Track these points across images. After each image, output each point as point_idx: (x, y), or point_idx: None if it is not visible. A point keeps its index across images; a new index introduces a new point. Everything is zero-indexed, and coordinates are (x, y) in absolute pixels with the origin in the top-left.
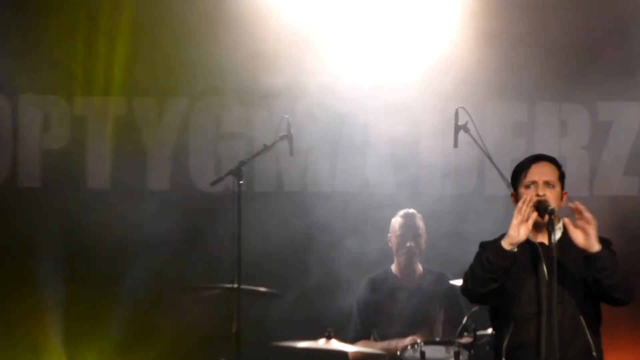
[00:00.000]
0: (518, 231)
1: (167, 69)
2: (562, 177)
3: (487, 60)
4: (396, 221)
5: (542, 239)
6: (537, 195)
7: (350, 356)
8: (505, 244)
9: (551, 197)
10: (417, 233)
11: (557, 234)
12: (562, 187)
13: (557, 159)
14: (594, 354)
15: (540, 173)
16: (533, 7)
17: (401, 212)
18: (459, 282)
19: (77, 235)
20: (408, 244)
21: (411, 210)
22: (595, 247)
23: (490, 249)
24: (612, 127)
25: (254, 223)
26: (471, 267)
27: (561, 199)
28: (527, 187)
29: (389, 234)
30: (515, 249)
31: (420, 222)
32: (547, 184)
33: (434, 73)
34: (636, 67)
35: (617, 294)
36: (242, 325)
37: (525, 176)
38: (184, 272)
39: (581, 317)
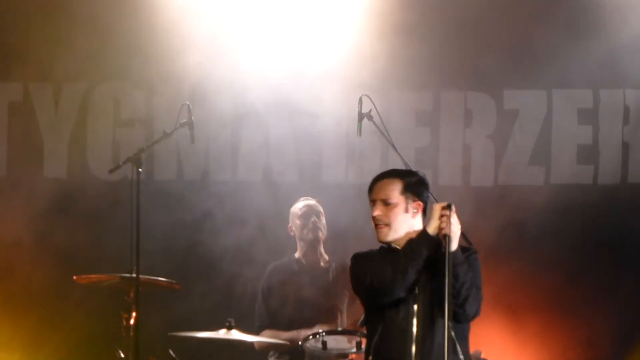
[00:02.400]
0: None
1: (64, 53)
2: (408, 189)
3: (392, 49)
4: (296, 207)
5: None
6: (373, 216)
7: (255, 346)
8: (431, 230)
9: (387, 214)
10: (317, 211)
11: (458, 227)
12: (414, 198)
13: (462, 148)
14: (462, 357)
15: (377, 192)
16: None
17: (299, 203)
18: None
19: None
20: (312, 219)
21: (308, 200)
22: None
23: (412, 240)
24: (518, 116)
25: (154, 212)
26: (366, 268)
27: (406, 212)
28: (371, 206)
29: (289, 224)
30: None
31: (318, 209)
32: (384, 202)
33: (339, 61)
34: (542, 55)
35: (460, 307)
36: (140, 316)
37: (369, 194)
38: (81, 262)
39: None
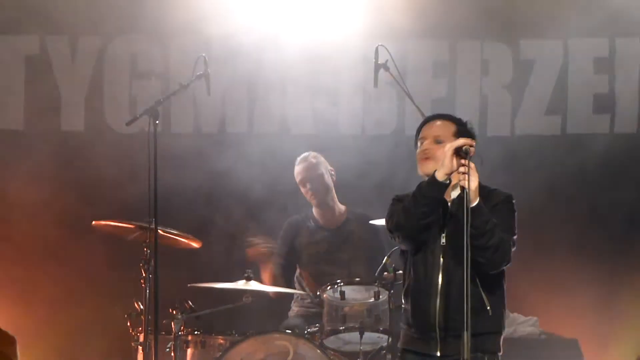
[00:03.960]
0: (452, 162)
1: (81, 6)
2: (460, 133)
3: None
4: (296, 170)
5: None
6: (421, 150)
7: (271, 295)
8: (439, 175)
9: (438, 152)
10: (315, 175)
11: (475, 179)
12: None
13: (479, 98)
14: (489, 307)
15: (430, 130)
16: None
17: (297, 159)
18: (380, 222)
19: None
20: (309, 187)
21: (305, 154)
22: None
23: (422, 183)
24: (534, 65)
25: (171, 164)
26: (395, 208)
27: None
28: (420, 144)
29: (298, 183)
30: (448, 181)
31: (315, 160)
32: (436, 140)
33: (355, 11)
34: (559, 5)
35: (480, 257)
36: (159, 267)
37: (418, 135)
38: (99, 214)
39: (475, 274)
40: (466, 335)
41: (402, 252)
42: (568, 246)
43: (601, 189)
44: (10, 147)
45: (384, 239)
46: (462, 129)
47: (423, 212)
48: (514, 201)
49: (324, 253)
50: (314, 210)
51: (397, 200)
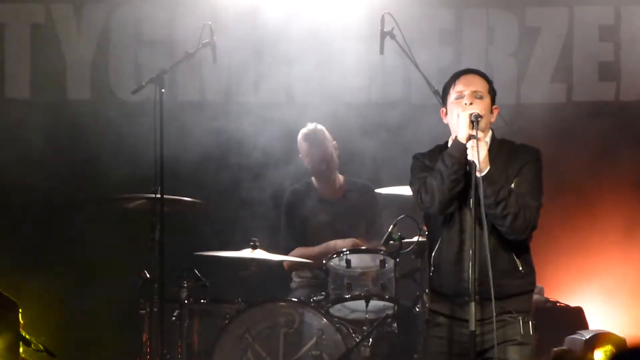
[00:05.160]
0: (468, 127)
1: None
2: (492, 92)
3: None
4: (301, 145)
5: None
6: (465, 104)
7: (285, 265)
8: (462, 138)
9: (480, 107)
10: (325, 153)
11: (483, 149)
12: (493, 102)
13: (485, 66)
14: (521, 268)
15: (468, 84)
16: None
17: (302, 134)
18: (382, 191)
19: None
20: (318, 166)
21: (311, 128)
22: (484, 169)
23: (446, 151)
24: (540, 33)
25: (177, 133)
26: (422, 179)
27: (491, 112)
28: (456, 98)
29: (300, 155)
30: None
31: (323, 136)
32: (475, 94)
33: None
34: None
35: (500, 226)
36: (165, 236)
37: (453, 88)
38: (105, 183)
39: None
40: (474, 306)
41: (427, 217)
42: (573, 215)
43: (606, 156)
44: (16, 116)
45: (383, 209)
46: (492, 87)
47: (452, 180)
48: (541, 158)
49: (327, 224)
50: (315, 182)
51: (417, 159)
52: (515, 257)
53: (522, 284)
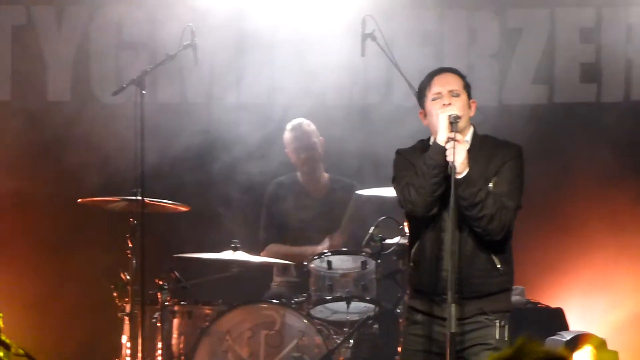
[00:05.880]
0: (447, 129)
1: None
2: (467, 87)
3: None
4: (287, 136)
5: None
6: (444, 104)
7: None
8: (441, 140)
9: (458, 105)
10: (310, 143)
11: (462, 152)
12: (469, 96)
13: (466, 68)
14: (499, 267)
15: (444, 83)
16: None
17: (289, 125)
18: (364, 192)
19: None
20: (303, 156)
21: (298, 121)
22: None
23: (426, 153)
24: (521, 35)
25: (158, 134)
26: (404, 179)
27: (469, 107)
28: (434, 100)
29: (286, 149)
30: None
31: (309, 128)
32: (452, 92)
33: None
34: None
35: (476, 227)
36: (145, 237)
37: (429, 90)
38: (86, 186)
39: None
40: (454, 308)
41: (408, 215)
42: (554, 216)
43: (587, 157)
44: None
45: (366, 209)
46: (466, 82)
47: (434, 183)
48: (522, 155)
49: (309, 220)
50: (300, 176)
51: (400, 154)
52: (494, 256)
53: (500, 282)
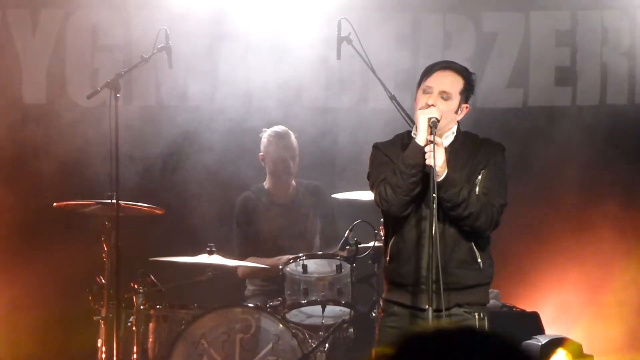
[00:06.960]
0: (427, 131)
1: None
2: (465, 91)
3: None
4: (269, 141)
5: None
6: (427, 104)
7: (239, 272)
8: (420, 141)
9: (442, 108)
10: (293, 155)
11: (441, 155)
12: (465, 100)
13: None
14: (479, 260)
15: (438, 82)
16: None
17: (272, 131)
18: (339, 196)
19: None
20: (283, 166)
21: (282, 128)
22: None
23: (405, 153)
24: (496, 38)
25: (132, 137)
26: (380, 175)
27: (457, 112)
28: (424, 92)
29: (261, 153)
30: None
31: (291, 137)
32: (442, 94)
33: None
34: None
35: (464, 225)
36: (120, 241)
37: (425, 80)
38: (61, 189)
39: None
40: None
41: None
42: (529, 221)
43: (563, 161)
44: None
45: (335, 209)
46: (469, 86)
47: (411, 182)
48: (504, 153)
49: (280, 229)
50: (269, 183)
51: (377, 149)
52: (475, 247)
53: (479, 276)
